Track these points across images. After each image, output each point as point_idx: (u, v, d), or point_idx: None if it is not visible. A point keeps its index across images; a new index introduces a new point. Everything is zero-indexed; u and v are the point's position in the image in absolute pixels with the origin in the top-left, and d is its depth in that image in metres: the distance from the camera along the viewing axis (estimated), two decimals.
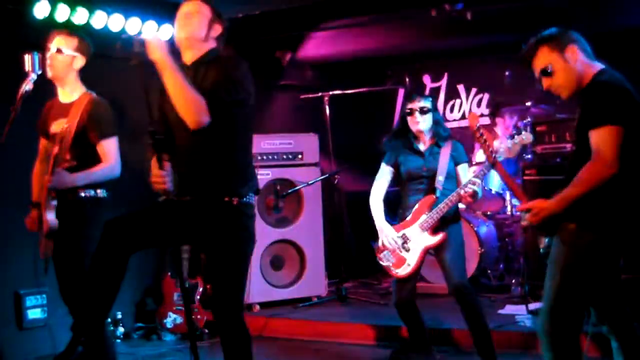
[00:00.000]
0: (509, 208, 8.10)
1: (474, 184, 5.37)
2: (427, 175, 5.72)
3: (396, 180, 5.97)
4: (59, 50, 5.18)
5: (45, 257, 5.19)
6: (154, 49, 4.01)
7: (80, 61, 5.28)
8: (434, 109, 5.82)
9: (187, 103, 4.01)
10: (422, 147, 5.80)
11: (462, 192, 5.43)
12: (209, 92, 4.05)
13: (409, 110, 5.74)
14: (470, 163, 6.00)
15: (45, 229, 5.10)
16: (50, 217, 5.07)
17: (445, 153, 5.72)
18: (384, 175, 5.95)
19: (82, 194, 5.18)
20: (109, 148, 5.22)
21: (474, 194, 5.41)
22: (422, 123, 5.72)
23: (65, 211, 5.12)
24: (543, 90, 4.11)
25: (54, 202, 5.09)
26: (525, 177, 7.41)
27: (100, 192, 5.25)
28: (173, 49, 4.15)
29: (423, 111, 5.71)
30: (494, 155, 4.45)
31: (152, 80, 4.16)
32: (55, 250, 5.14)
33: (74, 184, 5.11)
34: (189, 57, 4.32)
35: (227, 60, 4.27)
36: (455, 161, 5.76)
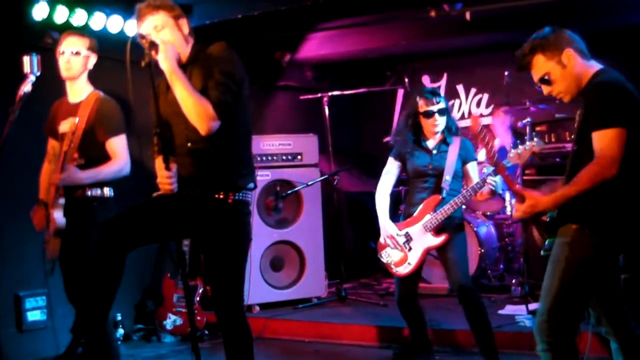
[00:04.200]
0: (508, 208, 8.10)
1: (489, 183, 5.37)
2: (433, 173, 5.68)
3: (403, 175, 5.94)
4: (77, 53, 5.26)
5: (53, 257, 5.20)
6: (165, 58, 4.02)
7: (93, 60, 5.38)
8: (447, 106, 5.77)
9: (198, 111, 4.02)
10: (430, 143, 5.75)
11: (478, 189, 5.42)
12: (211, 95, 4.04)
13: (427, 112, 5.64)
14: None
15: (52, 228, 5.12)
16: (58, 215, 5.09)
17: (453, 152, 5.66)
18: (391, 170, 5.90)
19: (89, 193, 5.22)
20: (118, 146, 5.27)
21: (492, 192, 5.42)
22: (441, 125, 5.67)
23: (73, 210, 5.15)
24: (544, 94, 4.09)
25: (62, 201, 5.12)
26: (525, 177, 7.42)
27: (107, 192, 5.31)
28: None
29: (442, 112, 5.66)
30: (495, 157, 4.40)
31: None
32: (61, 250, 5.16)
33: (83, 182, 5.15)
34: (179, 62, 4.26)
35: (214, 54, 4.22)
36: (463, 159, 5.71)
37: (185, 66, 4.25)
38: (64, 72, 5.30)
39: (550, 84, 3.99)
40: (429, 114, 5.64)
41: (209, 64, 4.17)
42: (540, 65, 3.98)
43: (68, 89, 5.40)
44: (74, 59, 5.26)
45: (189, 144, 4.23)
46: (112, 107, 5.31)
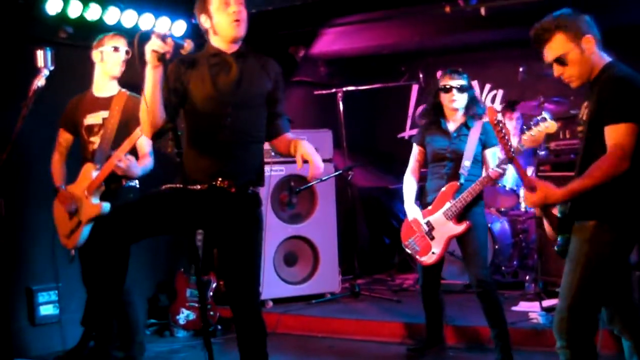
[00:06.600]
0: (522, 204, 8.06)
1: (502, 168, 5.34)
2: (451, 157, 5.66)
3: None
4: (127, 52, 5.55)
5: (76, 245, 5.38)
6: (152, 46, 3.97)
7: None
8: (470, 86, 5.75)
9: (153, 110, 4.12)
10: (450, 126, 5.73)
11: (490, 171, 5.39)
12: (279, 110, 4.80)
13: (446, 87, 5.64)
14: None
15: (93, 214, 5.27)
16: (97, 200, 5.31)
17: (473, 136, 5.63)
18: (415, 155, 5.92)
19: (127, 184, 5.47)
20: (145, 141, 5.48)
21: (499, 176, 5.39)
22: (458, 101, 5.65)
23: (108, 200, 5.34)
24: (553, 75, 4.04)
25: (102, 189, 5.33)
26: (540, 173, 7.36)
27: (138, 184, 5.57)
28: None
29: (461, 89, 5.64)
30: (512, 150, 4.34)
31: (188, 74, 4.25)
32: (89, 238, 5.29)
33: (134, 175, 5.42)
34: (227, 47, 4.37)
35: (273, 65, 4.81)
36: (483, 144, 5.67)
37: (235, 55, 4.41)
38: (116, 70, 5.55)
39: (565, 64, 3.94)
40: (447, 89, 5.64)
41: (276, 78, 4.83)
42: (561, 44, 3.92)
43: (100, 83, 5.59)
44: (125, 58, 5.55)
45: (229, 141, 4.26)
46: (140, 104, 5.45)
